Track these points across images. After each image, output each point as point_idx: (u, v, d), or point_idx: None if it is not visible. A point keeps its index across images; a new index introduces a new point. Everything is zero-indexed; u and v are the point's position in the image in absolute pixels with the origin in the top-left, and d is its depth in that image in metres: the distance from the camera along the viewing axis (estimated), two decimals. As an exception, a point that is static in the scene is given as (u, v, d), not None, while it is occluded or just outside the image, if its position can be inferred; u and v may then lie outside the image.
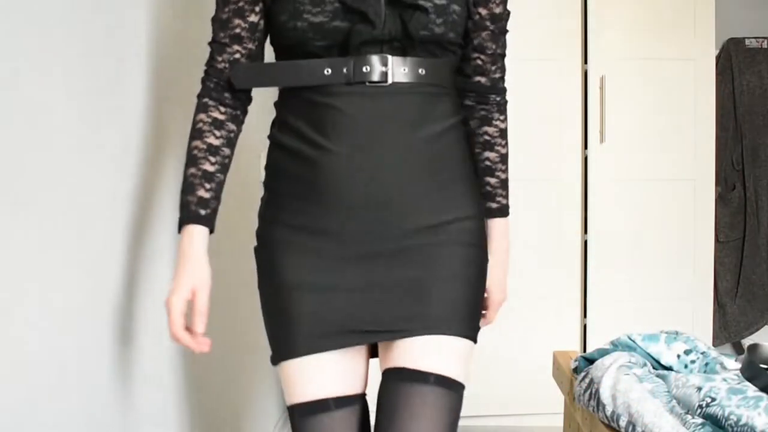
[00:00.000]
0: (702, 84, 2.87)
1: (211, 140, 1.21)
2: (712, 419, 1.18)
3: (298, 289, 1.19)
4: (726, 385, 1.23)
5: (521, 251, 2.87)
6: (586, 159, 2.83)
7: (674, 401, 1.28)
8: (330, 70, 1.14)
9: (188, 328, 1.16)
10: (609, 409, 1.33)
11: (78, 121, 1.14)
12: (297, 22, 1.13)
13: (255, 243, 1.33)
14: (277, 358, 1.21)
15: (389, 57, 1.14)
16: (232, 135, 1.26)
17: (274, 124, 1.28)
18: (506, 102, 1.35)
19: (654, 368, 1.48)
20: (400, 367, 1.14)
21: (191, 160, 1.21)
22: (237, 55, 1.22)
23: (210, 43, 1.24)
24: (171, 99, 1.56)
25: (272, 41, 1.23)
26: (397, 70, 1.14)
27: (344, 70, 1.13)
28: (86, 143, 1.17)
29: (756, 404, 1.15)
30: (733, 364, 1.43)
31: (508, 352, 2.86)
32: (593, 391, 1.40)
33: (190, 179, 1.20)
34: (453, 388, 1.15)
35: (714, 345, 3.28)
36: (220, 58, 1.22)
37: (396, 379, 1.14)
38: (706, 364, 1.45)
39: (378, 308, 1.16)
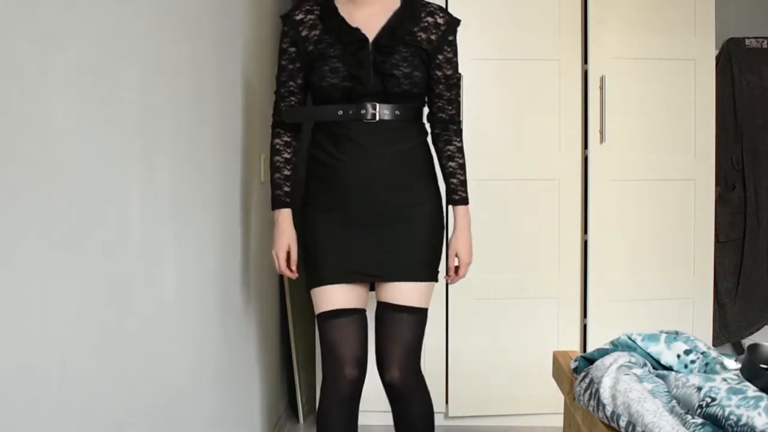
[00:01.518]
0: (702, 84, 2.87)
1: (286, 155, 2.00)
2: (712, 419, 1.18)
3: (324, 245, 1.90)
4: (726, 385, 1.23)
5: (521, 251, 2.87)
6: (586, 159, 2.83)
7: (674, 401, 1.28)
8: (341, 112, 1.86)
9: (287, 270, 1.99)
10: (609, 409, 1.33)
11: (78, 121, 1.14)
12: (322, 83, 1.86)
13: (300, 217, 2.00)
14: (311, 285, 1.92)
15: (377, 104, 1.85)
16: (295, 150, 2.03)
17: (311, 143, 1.96)
18: (461, 129, 2.04)
19: (654, 368, 1.48)
20: (388, 302, 1.90)
21: (276, 168, 1.99)
22: (292, 102, 1.97)
23: (275, 93, 2.01)
24: (160, 102, 1.56)
25: (310, 93, 1.96)
26: (382, 111, 1.86)
27: (350, 112, 1.85)
28: (88, 143, 1.17)
29: (756, 404, 1.15)
30: (733, 364, 1.43)
31: (508, 352, 2.86)
32: (593, 391, 1.40)
33: (276, 180, 1.98)
34: (418, 312, 1.90)
35: (714, 345, 3.28)
36: (282, 104, 1.97)
37: (387, 309, 1.90)
38: (706, 364, 1.45)
39: (372, 259, 1.88)
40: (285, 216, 1.96)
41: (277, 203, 1.96)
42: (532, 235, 2.85)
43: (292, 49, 1.91)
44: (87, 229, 1.17)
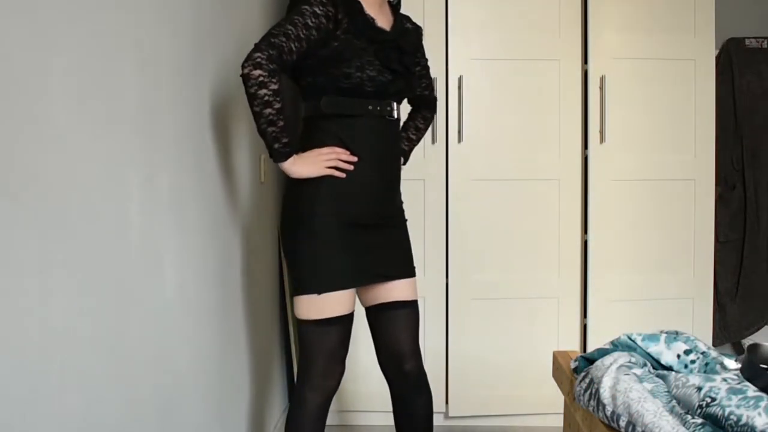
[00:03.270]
0: (702, 84, 2.87)
1: (277, 105, 1.75)
2: (712, 419, 1.18)
3: (336, 249, 1.85)
4: (726, 385, 1.23)
5: (521, 251, 2.87)
6: (586, 159, 2.84)
7: (674, 401, 1.28)
8: (371, 107, 1.86)
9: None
10: (609, 409, 1.33)
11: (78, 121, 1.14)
12: (360, 74, 1.81)
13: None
14: (319, 289, 1.83)
15: (394, 103, 1.92)
16: (282, 97, 1.80)
17: (319, 138, 1.87)
18: (436, 105, 2.25)
19: (654, 368, 1.48)
20: (394, 300, 1.96)
21: (269, 122, 1.75)
22: (287, 59, 1.77)
23: (272, 37, 1.74)
24: (160, 102, 1.56)
25: (323, 82, 1.83)
26: (398, 110, 1.95)
27: (378, 108, 1.87)
28: (88, 143, 1.17)
29: (756, 404, 1.15)
30: (733, 364, 1.43)
31: (508, 352, 2.86)
32: (593, 391, 1.40)
33: (272, 134, 1.77)
34: (416, 305, 2.01)
35: (714, 345, 3.28)
36: (272, 52, 1.73)
37: (392, 306, 1.96)
38: (706, 364, 1.45)
39: (381, 260, 1.92)
40: (295, 158, 1.80)
41: (279, 156, 1.78)
42: (532, 235, 2.85)
43: (324, 22, 1.78)
44: (87, 229, 1.17)
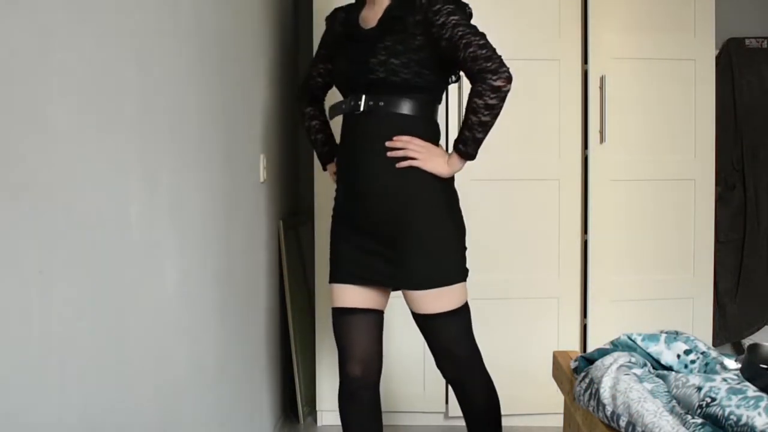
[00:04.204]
0: (702, 84, 2.86)
1: (314, 122, 2.14)
2: (712, 419, 1.18)
3: (340, 244, 1.96)
4: (726, 385, 1.23)
5: (522, 251, 2.87)
6: (586, 159, 2.83)
7: (674, 401, 1.28)
8: (344, 105, 1.92)
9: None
10: (609, 409, 1.33)
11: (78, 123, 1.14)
12: (335, 74, 2.01)
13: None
14: (329, 279, 1.97)
15: (363, 95, 1.87)
16: (321, 116, 2.16)
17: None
18: (498, 86, 1.81)
19: (654, 368, 1.48)
20: (416, 312, 1.91)
21: (310, 134, 2.15)
22: (318, 83, 2.13)
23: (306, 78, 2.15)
24: (160, 102, 1.56)
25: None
26: (367, 102, 1.89)
27: (351, 103, 1.90)
28: (89, 145, 1.17)
29: (756, 404, 1.14)
30: (733, 364, 1.42)
31: (508, 352, 2.86)
32: (593, 391, 1.40)
33: (314, 144, 2.15)
34: (438, 318, 1.91)
35: (714, 345, 3.28)
36: (310, 82, 2.13)
37: (415, 316, 1.93)
38: (706, 364, 1.45)
39: (377, 268, 1.90)
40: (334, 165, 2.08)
41: (323, 161, 2.15)
42: (532, 235, 2.85)
43: (326, 37, 2.09)
44: (87, 229, 1.17)
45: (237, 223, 2.14)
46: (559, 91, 2.81)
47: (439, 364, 2.01)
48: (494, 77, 1.78)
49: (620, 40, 2.81)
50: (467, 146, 1.87)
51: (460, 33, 1.79)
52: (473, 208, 2.89)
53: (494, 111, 1.81)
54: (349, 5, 2.06)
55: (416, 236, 1.85)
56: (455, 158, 1.89)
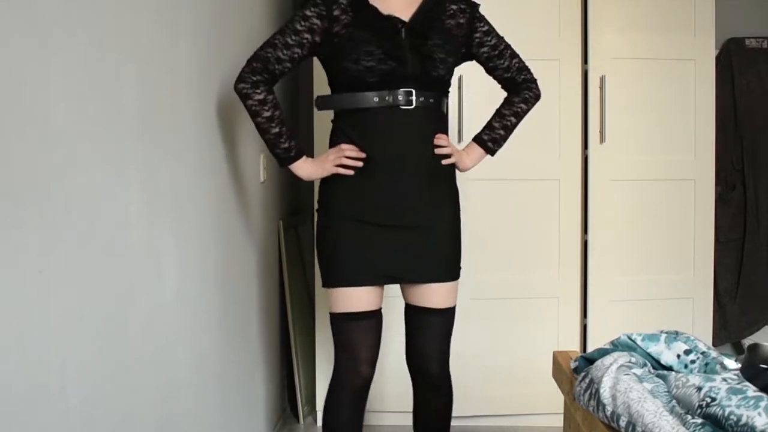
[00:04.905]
0: (702, 84, 2.87)
1: (266, 114, 1.83)
2: (712, 419, 1.18)
3: (347, 245, 1.83)
4: (726, 385, 1.23)
5: (521, 251, 2.87)
6: (586, 159, 2.83)
7: (674, 401, 1.28)
8: (377, 99, 1.78)
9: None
10: (609, 409, 1.33)
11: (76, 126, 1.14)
12: (358, 66, 1.77)
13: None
14: (331, 284, 1.87)
15: (413, 90, 1.78)
16: (275, 101, 1.85)
17: (333, 133, 1.89)
18: (530, 87, 2.01)
19: (654, 368, 1.48)
20: (420, 305, 1.90)
21: (262, 131, 1.84)
22: (277, 71, 1.83)
23: (261, 51, 1.82)
24: (160, 102, 1.56)
25: (334, 79, 1.86)
26: (418, 98, 1.79)
27: (386, 98, 1.78)
28: (87, 146, 1.17)
29: (756, 404, 1.15)
30: (733, 364, 1.43)
31: (508, 352, 2.86)
32: (593, 391, 1.40)
33: (269, 142, 1.86)
34: (449, 312, 1.93)
35: (714, 345, 3.28)
36: (263, 64, 1.81)
37: (420, 311, 1.91)
38: (706, 364, 1.45)
39: (401, 262, 1.84)
40: (302, 162, 1.87)
41: (281, 160, 1.88)
42: (532, 235, 2.85)
43: (317, 23, 1.79)
44: (87, 229, 1.17)
45: (237, 223, 2.14)
46: (559, 91, 2.81)
47: (424, 363, 1.94)
48: (537, 87, 2.01)
49: (620, 40, 2.81)
50: (497, 144, 2.01)
51: (504, 43, 1.96)
52: (473, 208, 2.89)
53: (526, 108, 2.02)
54: None
55: (445, 229, 1.90)
56: (478, 154, 2.00)
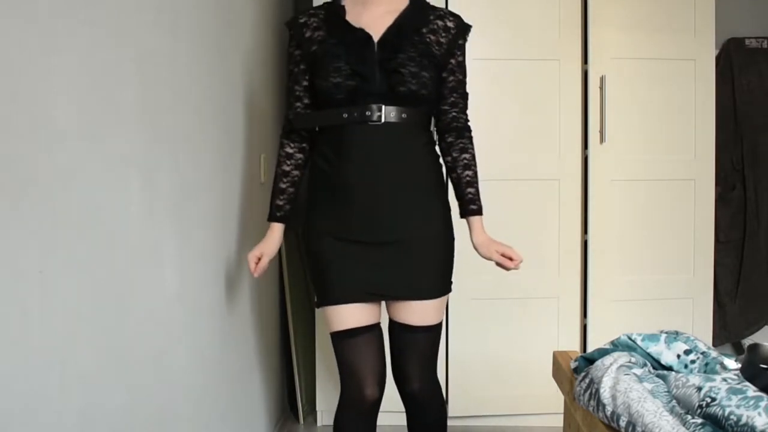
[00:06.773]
0: (702, 84, 2.87)
1: (285, 167, 1.93)
2: (712, 419, 1.18)
3: (331, 262, 1.81)
4: (726, 385, 1.23)
5: (521, 251, 2.87)
6: (586, 159, 2.83)
7: (674, 401, 1.28)
8: (346, 114, 1.76)
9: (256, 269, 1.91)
10: (609, 409, 1.33)
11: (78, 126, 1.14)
12: (326, 83, 1.77)
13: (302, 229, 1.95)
14: (321, 303, 1.85)
15: (383, 105, 1.75)
16: (297, 163, 1.94)
17: (313, 151, 1.90)
18: (473, 137, 1.96)
19: (654, 368, 1.48)
20: (403, 323, 1.84)
21: (275, 179, 1.94)
22: (299, 108, 1.89)
23: (287, 103, 1.93)
24: (160, 102, 1.56)
25: (316, 98, 1.85)
26: (388, 113, 1.75)
27: (355, 114, 1.76)
28: (90, 149, 1.17)
29: (756, 404, 1.14)
30: (733, 364, 1.42)
31: (508, 352, 2.86)
32: (593, 391, 1.40)
33: (273, 191, 1.94)
34: (433, 329, 1.88)
35: (714, 345, 3.28)
36: (290, 112, 1.91)
37: (402, 329, 1.85)
38: (706, 364, 1.45)
39: (381, 279, 1.80)
40: (273, 229, 1.93)
41: (269, 216, 1.93)
42: (532, 235, 2.85)
43: (297, 52, 1.86)
44: (87, 229, 1.17)
45: (237, 223, 2.14)
46: (559, 91, 2.81)
47: (406, 383, 1.89)
48: (470, 132, 1.95)
49: (620, 40, 2.82)
50: (478, 201, 1.93)
51: (466, 81, 1.92)
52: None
53: (475, 160, 1.95)
54: (316, 8, 1.89)
55: (427, 244, 1.83)
56: (477, 223, 1.93)
